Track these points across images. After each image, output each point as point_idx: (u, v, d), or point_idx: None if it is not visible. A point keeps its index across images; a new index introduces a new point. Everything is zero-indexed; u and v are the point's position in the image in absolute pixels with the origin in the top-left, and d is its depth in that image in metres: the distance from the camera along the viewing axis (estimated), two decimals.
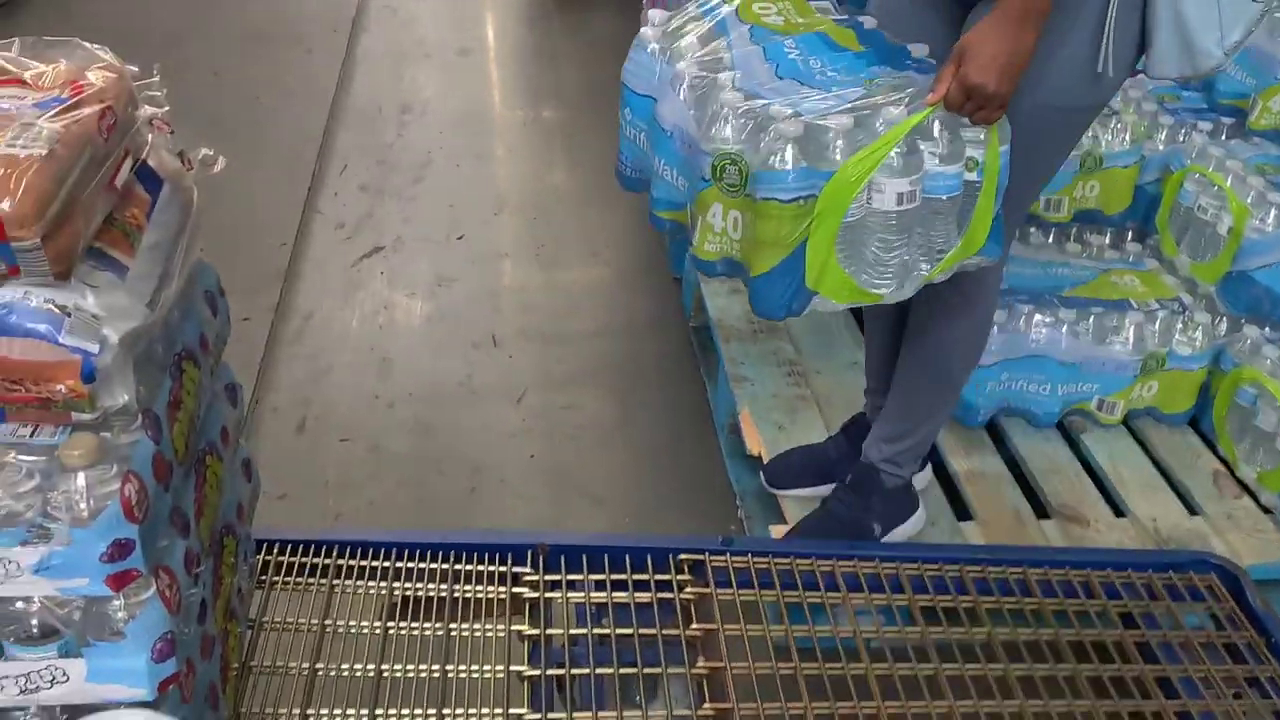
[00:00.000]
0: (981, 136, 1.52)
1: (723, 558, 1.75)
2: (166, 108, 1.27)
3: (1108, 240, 2.59)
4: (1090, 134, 2.50)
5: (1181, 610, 1.73)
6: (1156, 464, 2.28)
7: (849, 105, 1.50)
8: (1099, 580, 1.76)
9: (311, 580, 1.67)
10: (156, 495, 1.10)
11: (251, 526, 1.57)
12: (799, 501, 2.12)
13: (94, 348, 1.02)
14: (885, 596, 1.71)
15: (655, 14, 1.73)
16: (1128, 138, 2.54)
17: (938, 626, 1.67)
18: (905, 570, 1.75)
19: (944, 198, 1.51)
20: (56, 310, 1.01)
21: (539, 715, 1.49)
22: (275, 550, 1.70)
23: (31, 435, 1.05)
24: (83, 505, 1.04)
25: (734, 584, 1.71)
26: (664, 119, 1.63)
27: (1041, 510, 2.15)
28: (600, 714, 1.49)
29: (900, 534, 2.01)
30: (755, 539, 2.00)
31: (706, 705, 1.52)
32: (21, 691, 1.10)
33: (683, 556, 1.75)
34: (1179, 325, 2.31)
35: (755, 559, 1.75)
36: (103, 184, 1.08)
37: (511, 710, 1.49)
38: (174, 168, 1.25)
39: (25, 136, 1.01)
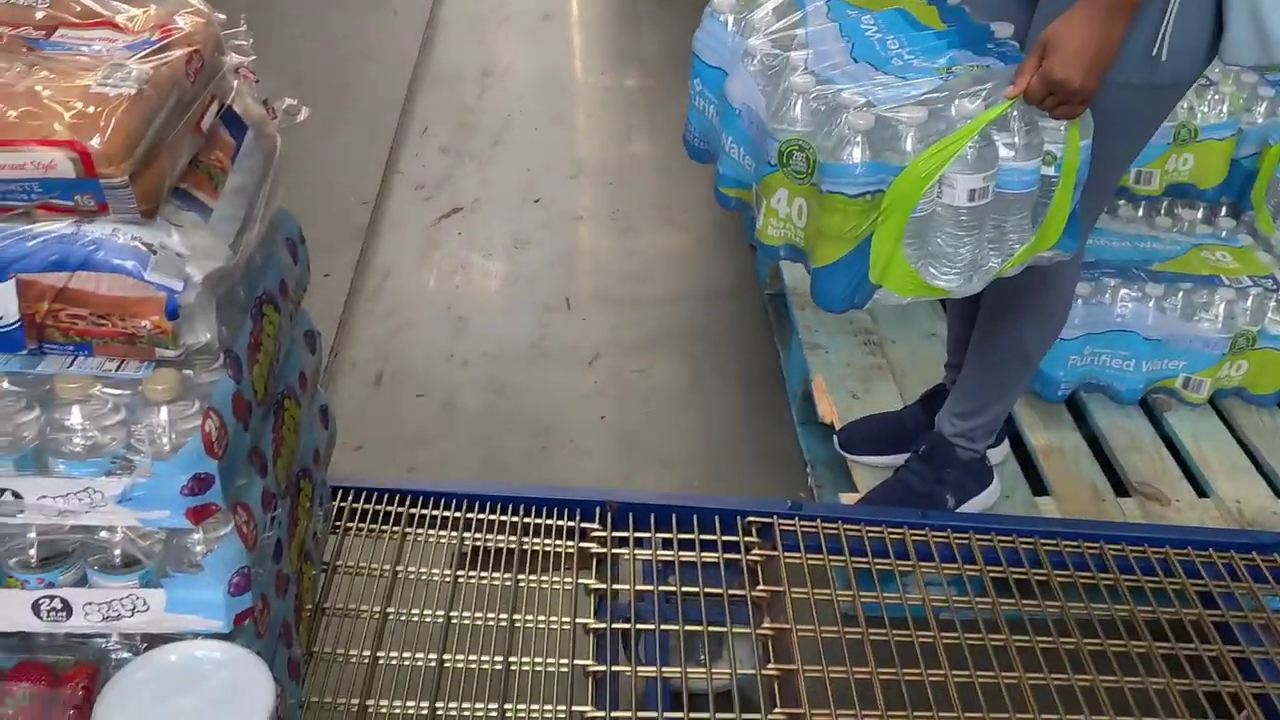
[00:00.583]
0: (1062, 129, 1.47)
1: (791, 522, 1.74)
2: (253, 56, 1.29)
3: (1200, 215, 2.52)
4: (1185, 105, 2.43)
5: (1263, 592, 1.69)
6: (1243, 445, 2.22)
7: (924, 95, 1.45)
8: (1178, 558, 1.72)
9: (384, 528, 1.70)
10: (235, 433, 1.13)
11: (327, 473, 1.60)
12: (870, 471, 2.10)
13: (178, 285, 1.04)
14: (956, 566, 1.69)
15: None
16: (1225, 109, 2.46)
17: (1010, 599, 1.64)
18: (978, 541, 1.73)
19: (1019, 193, 1.47)
20: (143, 248, 1.03)
21: (604, 667, 1.50)
22: (350, 497, 1.73)
23: (117, 370, 1.08)
24: (165, 439, 1.06)
25: (802, 548, 1.70)
26: (733, 96, 1.59)
27: (1121, 488, 2.11)
28: (664, 669, 1.50)
29: (973, 506, 1.98)
30: (825, 504, 1.99)
31: (771, 665, 1.52)
32: (104, 618, 1.13)
33: (750, 519, 1.74)
34: (1272, 303, 2.23)
35: (825, 524, 1.74)
36: (189, 126, 1.10)
37: (577, 661, 1.51)
38: (258, 114, 1.27)
39: (115, 77, 1.03)
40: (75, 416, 1.05)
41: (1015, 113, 1.44)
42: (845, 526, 1.74)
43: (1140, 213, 2.52)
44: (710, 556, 1.67)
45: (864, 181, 1.42)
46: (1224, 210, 2.56)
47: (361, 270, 3.01)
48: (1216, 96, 2.44)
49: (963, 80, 1.47)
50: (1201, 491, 2.10)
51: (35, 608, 1.12)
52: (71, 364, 1.07)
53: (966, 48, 1.55)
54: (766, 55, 1.54)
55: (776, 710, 1.45)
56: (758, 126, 1.54)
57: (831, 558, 1.69)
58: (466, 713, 1.43)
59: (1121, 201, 2.54)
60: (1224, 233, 2.44)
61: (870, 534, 1.73)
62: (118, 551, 1.13)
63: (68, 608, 1.12)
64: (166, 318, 1.04)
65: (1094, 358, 2.26)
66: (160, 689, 1.09)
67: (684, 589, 1.61)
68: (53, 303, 1.03)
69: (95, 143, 0.98)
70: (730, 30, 1.62)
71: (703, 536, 1.71)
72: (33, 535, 1.12)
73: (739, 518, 1.74)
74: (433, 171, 3.49)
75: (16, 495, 1.06)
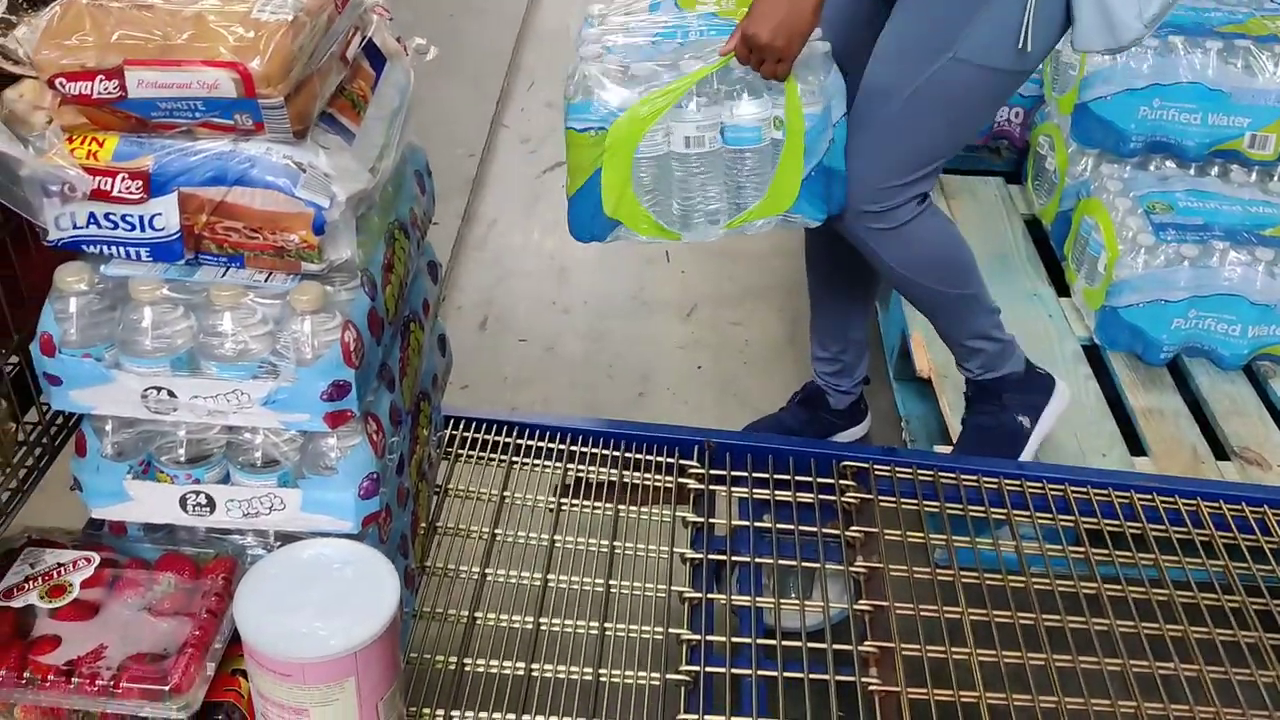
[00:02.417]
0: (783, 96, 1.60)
1: (887, 467, 1.77)
2: None
3: None
4: None
5: None
6: None
7: (662, 56, 1.63)
8: (1276, 518, 1.71)
9: (493, 456, 1.77)
10: (370, 347, 1.20)
11: (441, 401, 1.68)
12: None
13: (324, 202, 1.11)
14: (1050, 516, 1.71)
15: None
16: None
17: (1103, 550, 1.66)
18: (1073, 493, 1.74)
19: (746, 148, 1.61)
20: (294, 166, 1.11)
21: (700, 594, 1.55)
22: (461, 426, 1.81)
23: (266, 281, 1.16)
24: (307, 347, 1.14)
25: (897, 493, 1.73)
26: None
27: (1221, 452, 2.10)
28: (758, 599, 1.55)
29: (1051, 414, 2.00)
30: (921, 451, 2.02)
31: (862, 601, 1.56)
32: (244, 515, 1.22)
33: (846, 463, 1.78)
34: None
35: (920, 471, 1.77)
36: (336, 54, 1.17)
37: (674, 587, 1.57)
38: (394, 48, 1.34)
39: (273, 4, 1.09)
40: (227, 322, 1.14)
41: (739, 73, 1.59)
42: (940, 474, 1.77)
43: (1253, 177, 2.47)
44: (805, 497, 1.72)
45: (590, 119, 1.59)
46: None
47: (468, 219, 3.10)
48: None
49: (700, 43, 1.63)
50: None
51: (183, 502, 1.21)
52: (225, 274, 1.16)
53: None
54: (584, 37, 1.71)
55: (867, 643, 1.49)
56: None
57: (926, 503, 1.72)
58: (569, 628, 1.50)
59: (1235, 166, 2.49)
60: None
61: (965, 482, 1.76)
62: (259, 453, 1.22)
63: (211, 503, 1.21)
64: (314, 232, 1.11)
65: (1198, 321, 2.24)
66: (293, 581, 1.17)
67: (779, 526, 1.66)
68: (210, 215, 1.11)
69: (256, 64, 1.05)
70: (597, 28, 1.76)
71: (798, 478, 1.75)
72: (183, 434, 1.21)
73: (835, 461, 1.78)
74: (538, 126, 3.56)
75: (171, 394, 1.14)
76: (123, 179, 1.11)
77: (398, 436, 1.33)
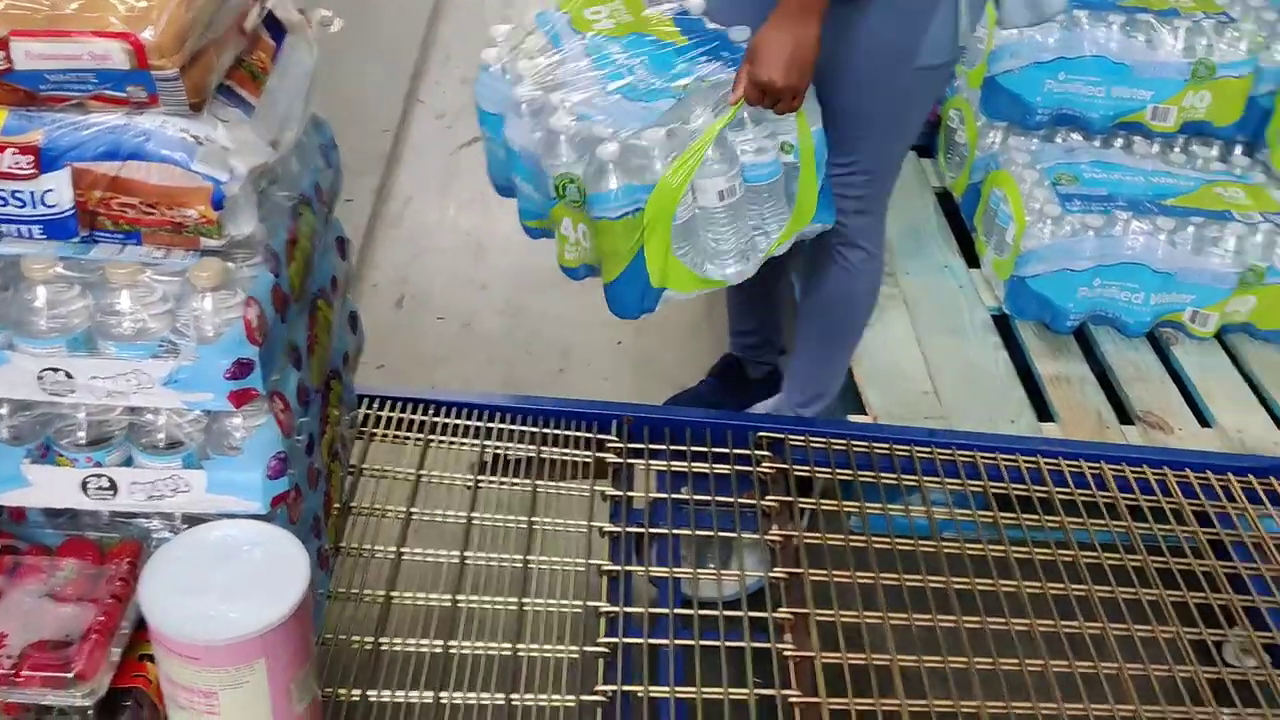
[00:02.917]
0: (792, 120, 1.62)
1: (801, 438, 1.79)
2: None
3: (1215, 153, 2.54)
4: (1204, 41, 2.44)
5: (1258, 513, 1.74)
6: (1247, 378, 2.26)
7: (664, 115, 1.60)
8: (1177, 480, 1.77)
9: (409, 435, 1.76)
10: (274, 324, 1.18)
11: (354, 380, 1.66)
12: (883, 391, 2.15)
13: (223, 176, 1.09)
14: (960, 482, 1.75)
15: (497, 30, 1.78)
16: (1244, 47, 2.46)
17: (1011, 514, 1.70)
18: (982, 459, 1.78)
19: (766, 183, 1.63)
20: (191, 139, 1.08)
21: (618, 566, 1.56)
22: (375, 405, 1.79)
23: (164, 258, 1.13)
24: (209, 325, 1.12)
25: (811, 463, 1.75)
26: (512, 140, 1.70)
27: (1125, 416, 2.16)
28: (675, 570, 1.56)
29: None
30: (834, 421, 2.04)
31: (778, 569, 1.58)
32: (149, 497, 1.19)
33: (762, 434, 1.80)
34: None
35: (833, 440, 1.80)
36: (234, 25, 1.14)
37: (593, 561, 1.57)
38: (297, 20, 1.32)
39: None
40: (124, 300, 1.11)
41: (745, 115, 1.60)
42: (853, 443, 1.79)
43: (1155, 149, 2.53)
44: (722, 468, 1.73)
45: (622, 204, 1.56)
46: (1240, 149, 2.57)
47: (383, 196, 3.05)
48: (1234, 34, 2.45)
49: (696, 95, 1.61)
50: (1204, 422, 2.15)
51: (84, 485, 1.18)
52: (121, 251, 1.13)
53: (705, 58, 1.68)
54: (530, 100, 1.65)
55: (782, 609, 1.51)
56: (537, 164, 1.66)
57: (839, 471, 1.74)
58: (487, 603, 1.50)
59: (1137, 138, 2.56)
60: (1238, 170, 2.47)
61: (878, 451, 1.79)
62: (162, 434, 1.19)
63: (114, 486, 1.19)
64: (212, 207, 1.09)
65: (1103, 290, 2.29)
66: (200, 564, 1.15)
67: (696, 497, 1.67)
68: (104, 191, 1.09)
69: (148, 35, 1.02)
70: (502, 78, 1.72)
71: (715, 449, 1.76)
72: (83, 416, 1.18)
73: (751, 433, 1.80)
74: (454, 100, 3.51)
75: (69, 375, 1.12)
76: (12, 154, 1.08)
77: (306, 416, 1.31)
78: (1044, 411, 2.17)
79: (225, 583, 1.13)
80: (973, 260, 2.56)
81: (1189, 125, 2.52)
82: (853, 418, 2.11)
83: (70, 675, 1.09)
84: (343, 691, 1.36)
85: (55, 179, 1.08)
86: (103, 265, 1.11)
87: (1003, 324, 2.39)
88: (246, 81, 1.17)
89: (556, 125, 1.59)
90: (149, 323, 1.12)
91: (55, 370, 1.11)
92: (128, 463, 1.19)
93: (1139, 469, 1.79)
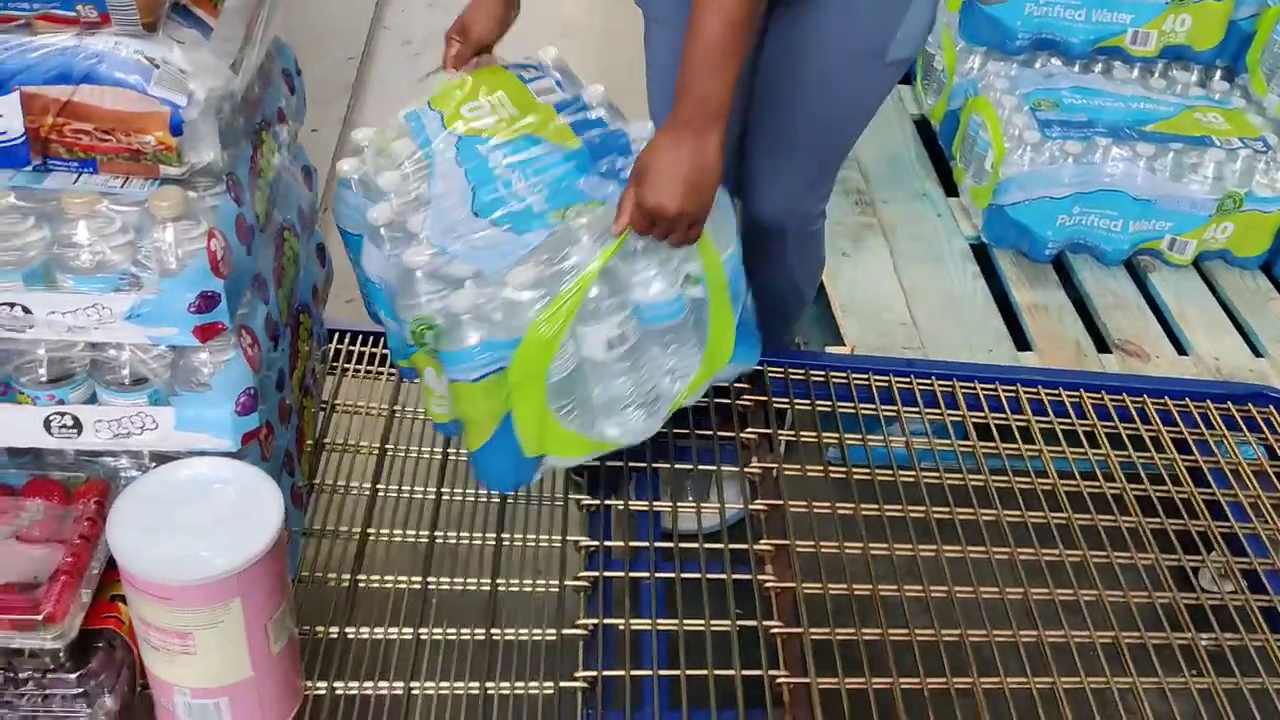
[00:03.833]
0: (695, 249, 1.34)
1: (780, 370, 1.77)
2: None
3: (1195, 78, 2.51)
4: None
5: (1235, 440, 1.74)
6: (1224, 306, 2.26)
7: (535, 250, 1.30)
8: (1155, 407, 1.77)
9: (380, 369, 1.73)
10: (239, 255, 1.14)
11: (323, 314, 1.62)
12: (860, 324, 2.13)
13: (181, 100, 1.04)
14: (939, 412, 1.74)
15: (359, 134, 1.46)
16: None
17: (990, 443, 1.69)
18: (961, 389, 1.77)
19: (668, 324, 1.35)
20: (145, 61, 1.04)
21: (597, 501, 1.54)
22: (347, 340, 1.75)
23: (122, 187, 1.09)
24: (171, 257, 1.08)
25: (790, 394, 1.73)
26: (369, 270, 1.44)
27: (1103, 345, 2.15)
28: (655, 504, 1.55)
29: None
30: (812, 352, 2.02)
31: (758, 501, 1.57)
32: (114, 436, 1.16)
33: None
34: (1261, 165, 2.25)
35: (812, 372, 1.78)
36: None
37: (572, 496, 1.55)
38: None
39: None
40: (82, 232, 1.07)
41: (637, 246, 1.32)
42: (832, 374, 1.78)
43: (1135, 74, 2.51)
44: (701, 401, 1.71)
45: (481, 364, 1.27)
46: (1220, 74, 2.55)
47: (350, 125, 2.98)
48: None
49: (579, 221, 1.31)
50: (1181, 349, 2.15)
51: (46, 424, 1.15)
52: (76, 180, 1.08)
53: (597, 167, 1.39)
54: (390, 225, 1.37)
55: (763, 541, 1.51)
56: (394, 302, 1.39)
57: (819, 402, 1.73)
58: (465, 539, 1.48)
59: (1117, 63, 2.52)
60: (1218, 95, 2.44)
61: (856, 381, 1.77)
62: (126, 370, 1.16)
63: (78, 425, 1.15)
64: (171, 133, 1.04)
65: (1082, 218, 2.28)
66: (171, 502, 1.12)
67: (675, 431, 1.65)
68: (57, 116, 1.04)
69: None
70: (360, 196, 1.42)
71: None
72: (42, 352, 1.14)
73: None
74: (420, 27, 3.43)
75: (26, 310, 1.08)
76: None
77: (276, 350, 1.28)
78: (1022, 341, 2.16)
79: (197, 521, 1.10)
80: (951, 189, 2.54)
81: (1169, 50, 2.49)
82: (830, 349, 2.09)
83: (40, 618, 1.06)
84: (320, 629, 1.34)
85: (4, 104, 1.04)
86: (58, 195, 1.06)
87: (981, 253, 2.37)
88: (203, 1, 1.12)
89: (411, 261, 1.30)
90: (109, 255, 1.08)
91: (12, 305, 1.07)
92: (91, 400, 1.16)
93: (1118, 397, 1.78)
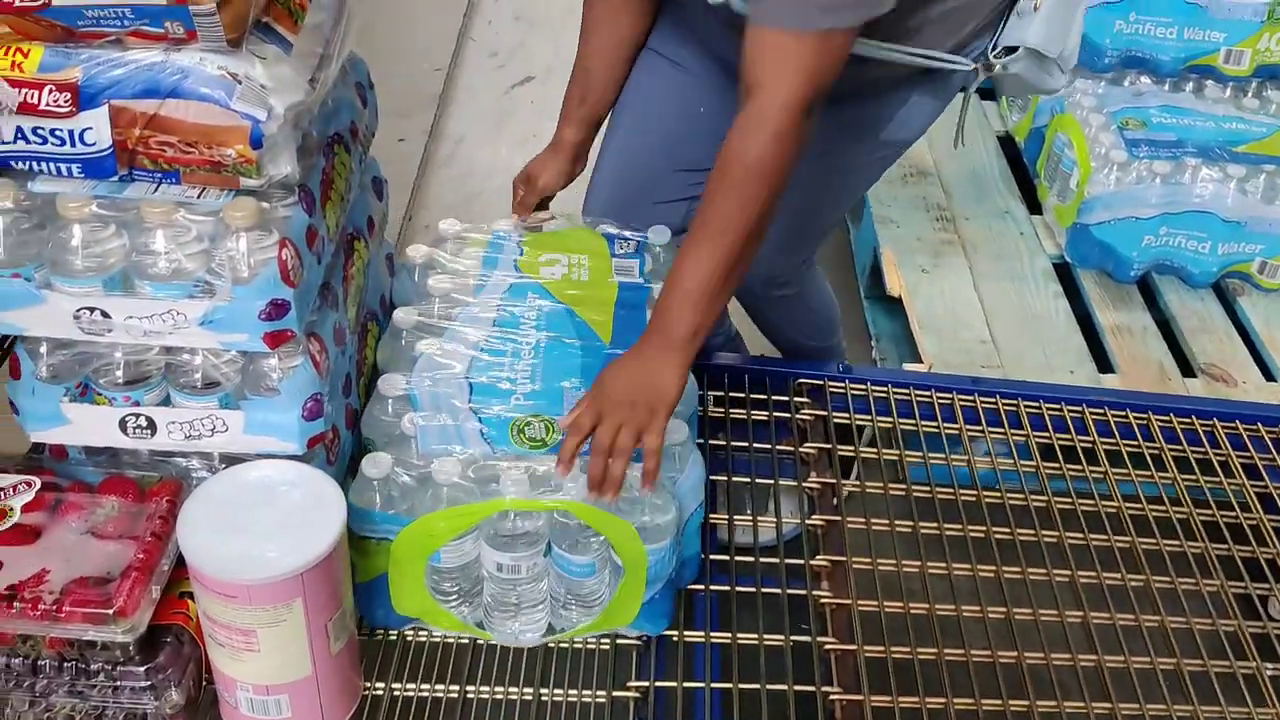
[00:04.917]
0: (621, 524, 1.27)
1: (841, 384, 1.76)
2: None
3: None
4: None
5: None
6: None
7: (498, 452, 1.30)
8: (1226, 431, 1.72)
9: None
10: (309, 265, 1.18)
11: None
12: (938, 342, 2.11)
13: (262, 115, 1.08)
14: (1003, 431, 1.71)
15: (447, 225, 1.56)
16: None
17: (1054, 464, 1.67)
18: (1026, 408, 1.74)
19: (577, 579, 1.31)
20: (229, 77, 1.08)
21: None
22: None
23: (199, 197, 1.13)
24: (243, 265, 1.12)
25: (850, 410, 1.73)
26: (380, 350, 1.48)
27: (1188, 369, 2.11)
28: (712, 515, 1.55)
29: None
30: (875, 369, 2.01)
31: (815, 516, 1.57)
32: (186, 437, 1.21)
33: (801, 380, 1.77)
34: None
35: (874, 388, 1.77)
36: None
37: None
38: None
39: None
40: (159, 240, 1.12)
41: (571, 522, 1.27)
42: (895, 390, 1.76)
43: (1228, 93, 2.45)
44: (760, 415, 1.71)
45: (373, 528, 1.27)
46: None
47: (435, 136, 3.05)
48: None
49: (527, 464, 1.28)
50: (1269, 375, 2.09)
51: (122, 424, 1.20)
52: (155, 190, 1.13)
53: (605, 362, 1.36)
54: (409, 327, 1.44)
55: (819, 556, 1.50)
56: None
57: (879, 418, 1.72)
58: None
59: (1209, 82, 2.47)
60: None
61: (920, 399, 1.76)
62: (199, 374, 1.21)
63: (152, 425, 1.20)
64: (251, 146, 1.08)
65: (1169, 239, 2.23)
66: (239, 503, 1.16)
67: (734, 443, 1.66)
68: (143, 129, 1.09)
69: None
70: (412, 279, 1.51)
71: (754, 396, 1.74)
72: (120, 355, 1.19)
73: (790, 379, 1.77)
74: (506, 39, 3.49)
75: (105, 314, 1.13)
76: (50, 91, 1.08)
77: (343, 356, 1.32)
78: (1104, 362, 2.12)
79: (263, 522, 1.14)
80: (1034, 206, 2.50)
81: (1263, 69, 2.44)
82: (908, 366, 2.08)
83: (111, 612, 1.10)
84: (379, 631, 1.37)
85: (94, 117, 1.09)
86: (137, 204, 1.11)
87: (1064, 272, 2.34)
88: (284, 18, 1.16)
89: (384, 388, 1.35)
90: (184, 262, 1.12)
91: (92, 310, 1.12)
92: (165, 402, 1.21)
93: (1187, 420, 1.74)
